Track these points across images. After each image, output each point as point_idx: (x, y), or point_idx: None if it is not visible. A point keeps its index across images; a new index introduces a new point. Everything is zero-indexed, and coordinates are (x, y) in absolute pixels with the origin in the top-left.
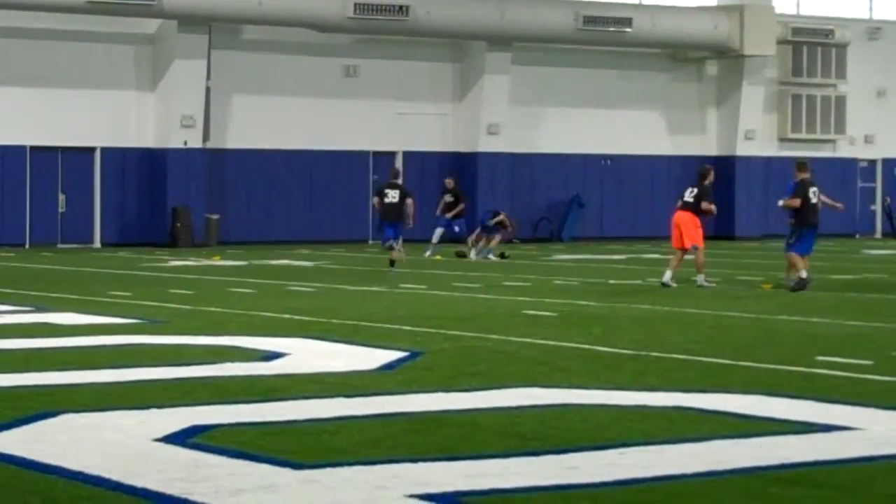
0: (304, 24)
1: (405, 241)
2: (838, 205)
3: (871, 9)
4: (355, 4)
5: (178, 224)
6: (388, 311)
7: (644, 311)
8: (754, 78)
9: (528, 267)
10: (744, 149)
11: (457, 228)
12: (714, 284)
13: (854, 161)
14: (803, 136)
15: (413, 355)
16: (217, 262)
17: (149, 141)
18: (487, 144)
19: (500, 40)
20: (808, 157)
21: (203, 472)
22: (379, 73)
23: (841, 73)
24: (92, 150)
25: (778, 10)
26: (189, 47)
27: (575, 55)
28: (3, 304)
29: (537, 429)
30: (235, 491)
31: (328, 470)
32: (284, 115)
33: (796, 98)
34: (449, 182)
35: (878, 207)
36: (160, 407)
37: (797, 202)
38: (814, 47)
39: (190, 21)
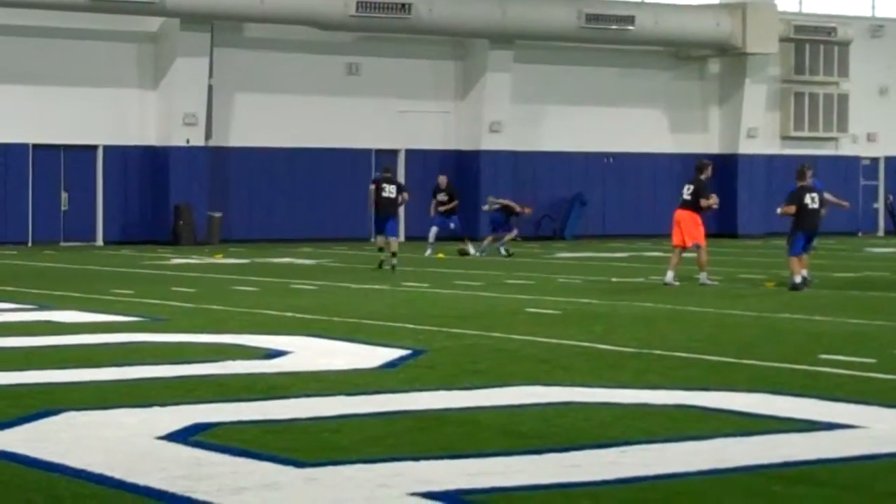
0: (306, 22)
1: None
2: (844, 203)
3: (873, 6)
4: (357, 2)
5: (181, 222)
6: (390, 309)
7: (646, 310)
8: (757, 76)
9: (531, 265)
10: (746, 147)
11: (452, 225)
12: (716, 283)
13: (856, 159)
14: (806, 134)
15: (415, 353)
16: (219, 260)
17: (151, 139)
18: (490, 142)
19: (503, 38)
20: (811, 155)
21: (205, 470)
22: (381, 71)
23: (843, 71)
24: (94, 148)
25: (780, 8)
26: (191, 45)
27: (577, 53)
28: (5, 301)
29: (539, 427)
30: (237, 489)
31: (330, 468)
32: (287, 113)
33: (799, 96)
34: (442, 180)
35: (880, 205)
36: (162, 405)
37: (792, 209)
38: (816, 45)
39: (192, 19)
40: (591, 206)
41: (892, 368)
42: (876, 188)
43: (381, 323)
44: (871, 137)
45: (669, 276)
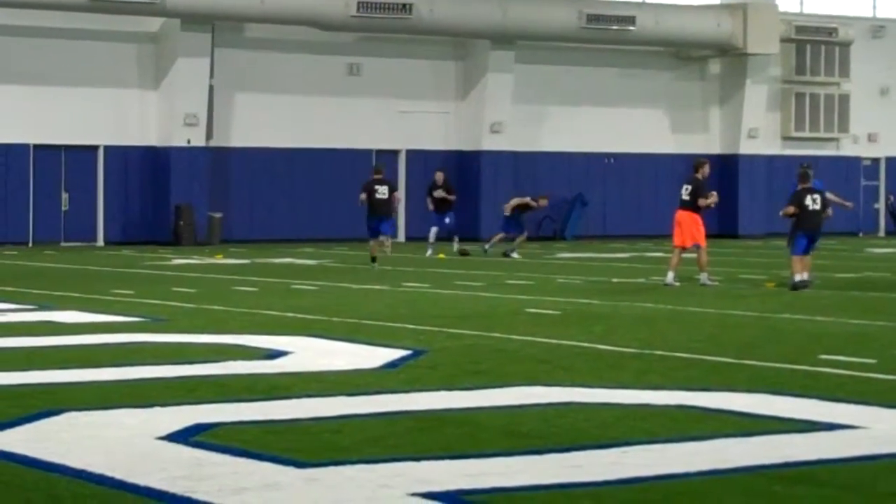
0: (307, 23)
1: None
2: (847, 203)
3: (874, 7)
4: (358, 3)
5: (181, 222)
6: (391, 310)
7: (647, 310)
8: (758, 76)
9: (531, 265)
10: (747, 147)
11: (447, 220)
12: (717, 283)
13: (857, 159)
14: (806, 134)
15: (416, 354)
16: (220, 260)
17: (152, 139)
18: (490, 143)
19: (504, 39)
20: (812, 155)
21: (206, 470)
22: (382, 72)
23: (844, 72)
24: (95, 148)
25: (781, 9)
26: (192, 45)
27: (578, 53)
28: (6, 302)
29: (540, 427)
30: (238, 489)
31: (331, 468)
32: (287, 113)
33: (799, 96)
34: (439, 176)
35: (881, 206)
36: (163, 405)
37: (791, 210)
38: (817, 45)
39: (193, 19)
40: (592, 207)
41: (892, 369)
42: (877, 188)
43: (381, 323)
44: (871, 138)
45: (670, 276)
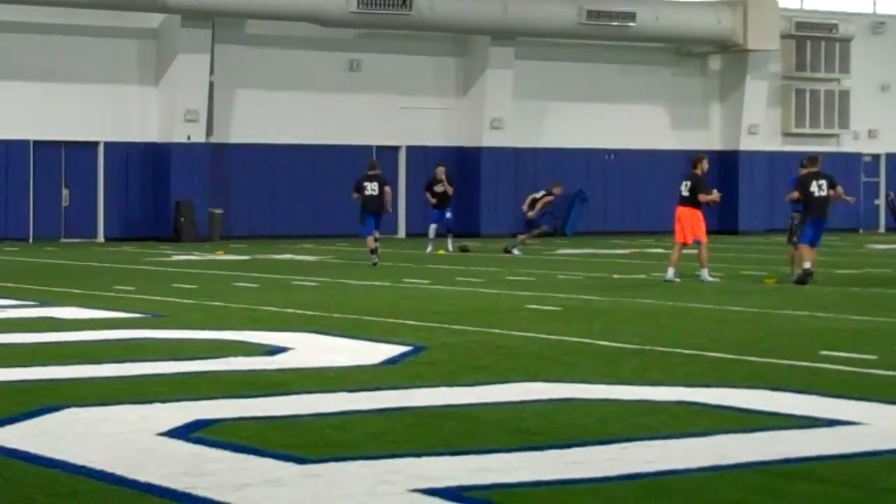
0: (307, 19)
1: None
2: (849, 199)
3: (874, 3)
4: None
5: (182, 219)
6: (391, 306)
7: (648, 306)
8: (758, 72)
9: (532, 261)
10: (747, 143)
11: (448, 215)
12: (718, 279)
13: (858, 156)
14: (807, 130)
15: (416, 350)
16: (220, 256)
17: (152, 135)
18: (491, 139)
19: (504, 35)
20: (812, 151)
21: (206, 466)
22: (382, 68)
23: (845, 68)
24: (95, 144)
25: (781, 5)
26: (192, 42)
27: (578, 50)
28: (6, 298)
29: (540, 423)
30: (239, 485)
31: (331, 464)
32: (288, 109)
33: (800, 92)
34: (441, 171)
35: (881, 202)
36: (163, 401)
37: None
38: (817, 42)
39: (193, 15)
40: (593, 203)
41: (893, 365)
42: (877, 185)
43: (382, 319)
44: (872, 134)
45: (670, 272)
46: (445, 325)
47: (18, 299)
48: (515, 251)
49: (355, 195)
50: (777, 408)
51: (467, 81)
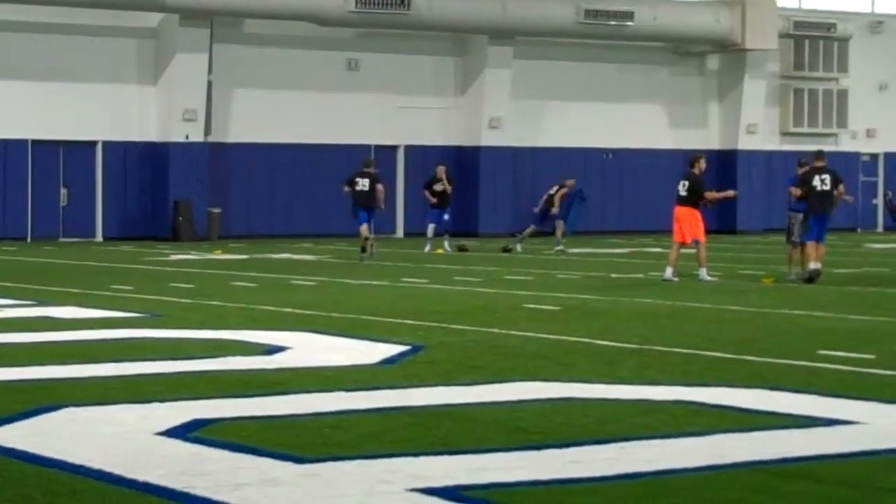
0: (305, 18)
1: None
2: (848, 198)
3: (872, 2)
4: None
5: (180, 218)
6: (390, 305)
7: (646, 305)
8: (756, 72)
9: (530, 261)
10: (745, 143)
11: (446, 216)
12: (716, 279)
13: (856, 155)
14: (805, 130)
15: (414, 349)
16: (218, 255)
17: (150, 135)
18: (489, 138)
19: (502, 34)
20: (810, 151)
21: (204, 465)
22: (380, 67)
23: (843, 67)
24: (94, 144)
25: (780, 4)
26: (191, 41)
27: (576, 49)
28: (4, 297)
29: (538, 423)
30: (237, 485)
31: (329, 464)
32: (286, 109)
33: (798, 92)
34: (441, 170)
35: (879, 201)
36: (161, 401)
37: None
38: (816, 41)
39: (191, 15)
40: (591, 202)
41: (891, 364)
42: (875, 184)
43: (380, 319)
44: (870, 133)
45: (668, 272)
46: (444, 325)
47: (16, 299)
48: (519, 247)
49: (346, 188)
50: (775, 407)
51: (466, 81)
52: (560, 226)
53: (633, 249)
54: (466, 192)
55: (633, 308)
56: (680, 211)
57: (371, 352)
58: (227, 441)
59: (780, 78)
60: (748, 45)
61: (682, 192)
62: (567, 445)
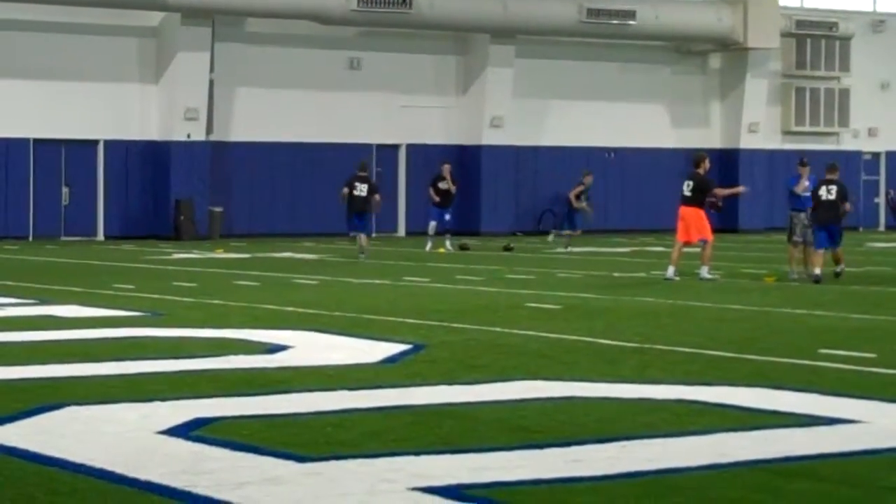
0: (307, 17)
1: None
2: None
3: (874, 1)
4: None
5: (182, 217)
6: (391, 304)
7: (648, 304)
8: (758, 71)
9: (532, 260)
10: (747, 141)
11: (448, 217)
12: (717, 277)
13: (858, 154)
14: (807, 128)
15: (416, 348)
16: (220, 254)
17: (152, 134)
18: (491, 137)
19: (504, 33)
20: (812, 150)
21: (206, 464)
22: (382, 66)
23: (845, 66)
24: (95, 142)
25: (782, 3)
26: (192, 40)
27: (578, 48)
28: (6, 296)
29: (540, 422)
30: (238, 484)
31: (331, 462)
32: (288, 107)
33: (800, 91)
34: (446, 168)
35: (881, 200)
36: (163, 400)
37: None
38: (817, 40)
39: (193, 13)
40: (593, 201)
41: (893, 363)
42: (877, 183)
43: (381, 317)
44: (872, 132)
45: (670, 271)
46: (445, 324)
47: (18, 297)
48: (558, 246)
49: (345, 190)
50: (777, 406)
51: (467, 80)
52: (578, 232)
53: (635, 248)
54: (468, 191)
55: (635, 307)
56: (685, 211)
57: (373, 350)
58: (228, 440)
59: (781, 77)
60: (750, 44)
61: (687, 193)
62: (569, 444)
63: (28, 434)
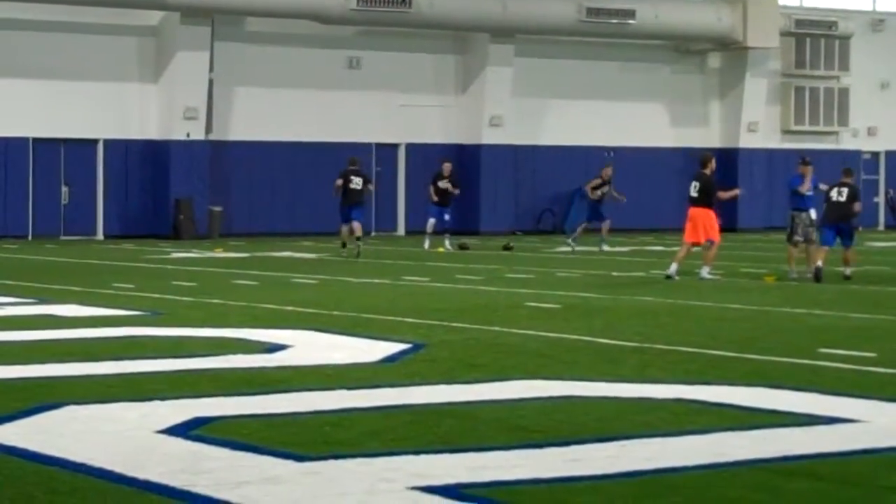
0: (307, 16)
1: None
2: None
3: (874, 1)
4: None
5: (181, 216)
6: (391, 304)
7: (647, 304)
8: (757, 70)
9: (531, 259)
10: (747, 141)
11: (447, 217)
12: (717, 277)
13: (857, 153)
14: (806, 128)
15: (415, 347)
16: (220, 253)
17: (152, 133)
18: (490, 136)
19: (503, 32)
20: (811, 149)
21: (205, 464)
22: (382, 65)
23: (844, 65)
24: (95, 142)
25: (781, 2)
26: (192, 39)
27: (578, 47)
28: (6, 295)
29: (539, 421)
30: (238, 483)
31: (330, 462)
32: (287, 107)
33: (799, 90)
34: (446, 167)
35: (881, 200)
36: (162, 399)
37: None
38: (817, 39)
39: (192, 13)
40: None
41: (892, 363)
42: (876, 182)
43: (381, 317)
44: (871, 131)
45: (673, 268)
46: (444, 323)
47: (18, 297)
48: (604, 246)
49: (339, 182)
50: (776, 405)
51: (467, 79)
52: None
53: (635, 248)
54: (467, 190)
55: (634, 306)
56: (695, 212)
57: (372, 350)
58: (227, 439)
59: (781, 76)
60: (749, 44)
61: (694, 193)
62: (568, 444)
63: (27, 433)
